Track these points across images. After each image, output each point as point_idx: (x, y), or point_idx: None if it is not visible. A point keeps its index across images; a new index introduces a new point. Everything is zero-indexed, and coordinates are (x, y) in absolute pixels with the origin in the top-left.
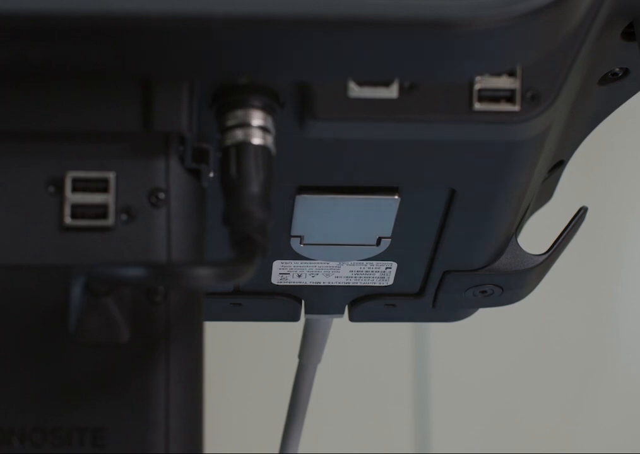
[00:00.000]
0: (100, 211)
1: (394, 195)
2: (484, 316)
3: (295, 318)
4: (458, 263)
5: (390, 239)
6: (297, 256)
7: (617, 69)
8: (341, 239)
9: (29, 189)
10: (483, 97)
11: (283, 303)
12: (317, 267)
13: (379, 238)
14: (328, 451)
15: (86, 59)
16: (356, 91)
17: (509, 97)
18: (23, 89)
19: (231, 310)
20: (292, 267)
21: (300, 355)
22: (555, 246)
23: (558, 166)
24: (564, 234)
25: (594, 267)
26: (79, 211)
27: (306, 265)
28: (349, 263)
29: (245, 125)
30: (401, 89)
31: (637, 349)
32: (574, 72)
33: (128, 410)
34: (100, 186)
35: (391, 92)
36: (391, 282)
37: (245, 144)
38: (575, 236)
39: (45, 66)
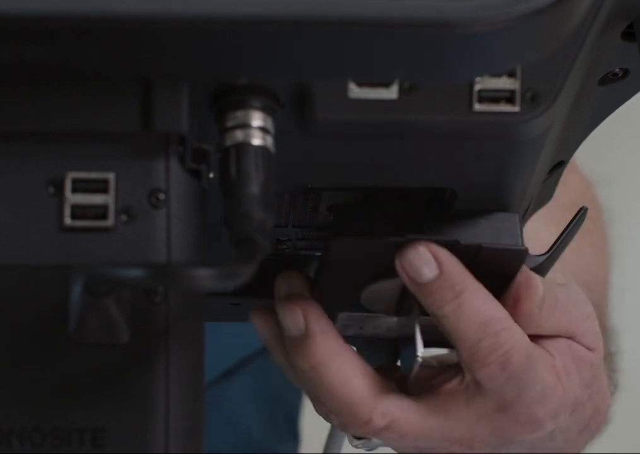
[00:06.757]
0: (100, 212)
1: None
2: None
3: None
4: None
5: None
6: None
7: (617, 70)
8: None
9: (30, 190)
10: (483, 98)
11: None
12: (380, 321)
13: None
14: (328, 451)
15: (86, 59)
16: (356, 91)
17: (509, 98)
18: (23, 90)
19: (231, 310)
20: (357, 319)
21: None
22: (555, 247)
23: (558, 166)
24: (564, 235)
25: None
26: (79, 212)
27: (370, 318)
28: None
29: (245, 125)
30: (401, 90)
31: (638, 348)
32: (574, 72)
33: (128, 410)
34: (100, 186)
35: (391, 93)
36: None
37: (245, 145)
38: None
39: (44, 67)
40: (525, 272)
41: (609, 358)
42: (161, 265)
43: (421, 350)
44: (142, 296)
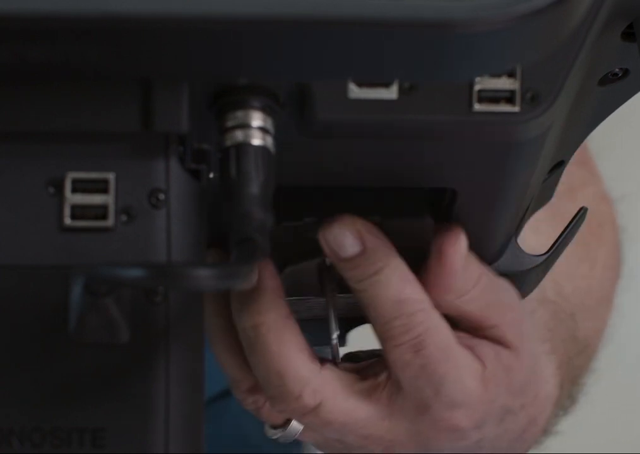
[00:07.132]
0: (100, 212)
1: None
2: None
3: None
4: None
5: None
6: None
7: (617, 70)
8: None
9: (30, 190)
10: (483, 98)
11: None
12: (311, 302)
13: None
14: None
15: (86, 59)
16: (356, 91)
17: (509, 98)
18: (23, 90)
19: None
20: (290, 304)
21: None
22: (555, 247)
23: (558, 166)
24: (564, 235)
25: None
26: (79, 212)
27: (301, 300)
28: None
29: (245, 126)
30: (401, 90)
31: (637, 348)
32: (574, 72)
33: (128, 410)
34: (100, 187)
35: (391, 93)
36: None
37: (245, 145)
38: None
39: (45, 67)
40: (444, 224)
41: (578, 372)
42: (161, 265)
43: (335, 332)
44: (142, 296)
